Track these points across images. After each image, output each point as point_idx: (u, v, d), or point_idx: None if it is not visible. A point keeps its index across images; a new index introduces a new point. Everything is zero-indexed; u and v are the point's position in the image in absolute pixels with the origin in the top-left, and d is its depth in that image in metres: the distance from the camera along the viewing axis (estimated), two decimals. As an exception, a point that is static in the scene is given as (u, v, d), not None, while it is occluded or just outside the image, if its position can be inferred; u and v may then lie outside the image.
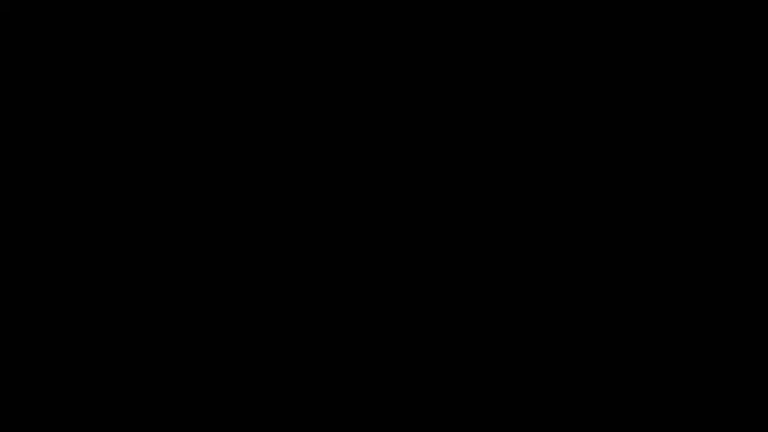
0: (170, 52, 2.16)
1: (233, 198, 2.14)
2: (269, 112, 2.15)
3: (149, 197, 2.14)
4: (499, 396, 2.08)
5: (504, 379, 2.08)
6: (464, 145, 2.13)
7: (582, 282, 2.09)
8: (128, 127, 2.15)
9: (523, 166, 2.12)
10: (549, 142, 2.12)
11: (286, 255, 2.12)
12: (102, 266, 2.13)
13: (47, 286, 2.12)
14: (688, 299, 2.08)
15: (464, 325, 2.10)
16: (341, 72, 2.16)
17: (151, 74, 2.16)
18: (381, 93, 2.15)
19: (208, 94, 2.16)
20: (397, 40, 2.15)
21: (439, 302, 2.11)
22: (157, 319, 2.11)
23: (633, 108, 2.12)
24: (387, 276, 2.11)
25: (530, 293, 2.10)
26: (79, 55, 2.16)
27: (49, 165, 2.14)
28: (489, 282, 2.10)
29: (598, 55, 2.13)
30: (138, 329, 2.11)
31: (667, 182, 2.10)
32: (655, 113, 2.12)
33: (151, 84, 2.16)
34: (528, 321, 2.09)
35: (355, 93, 2.15)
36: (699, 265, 2.08)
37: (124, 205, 2.14)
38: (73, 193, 2.14)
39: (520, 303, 2.10)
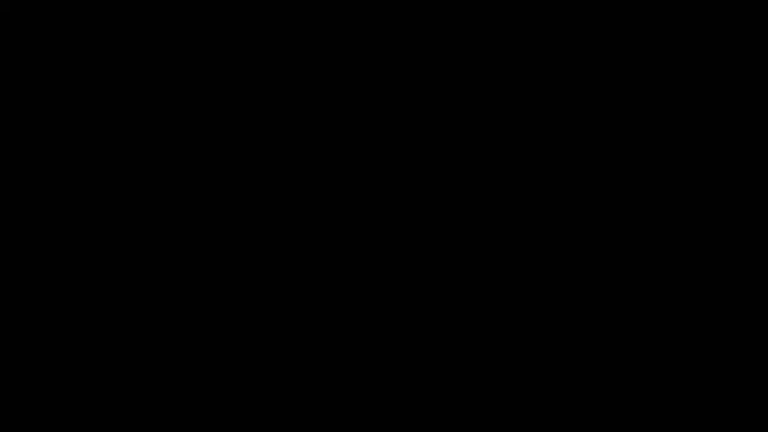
0: (170, 52, 2.16)
1: (233, 198, 2.14)
2: (269, 112, 2.16)
3: (149, 197, 2.14)
4: (499, 396, 2.08)
5: (504, 379, 2.08)
6: (464, 145, 2.13)
7: (582, 282, 2.10)
8: (128, 127, 2.15)
9: (522, 166, 2.13)
10: (549, 142, 2.13)
11: (286, 255, 2.13)
12: (102, 266, 2.13)
13: (47, 286, 2.12)
14: (688, 299, 2.08)
15: (464, 325, 2.10)
16: (341, 72, 2.16)
17: (151, 74, 2.16)
18: (381, 93, 2.15)
19: (207, 94, 2.16)
20: (397, 40, 2.15)
21: (439, 302, 2.11)
22: (157, 319, 2.11)
23: (633, 108, 2.12)
24: (387, 276, 2.12)
25: (530, 293, 2.10)
26: (79, 55, 2.16)
27: (49, 165, 2.14)
28: (489, 282, 2.11)
29: (598, 55, 2.13)
30: (138, 329, 2.11)
31: (667, 182, 2.10)
32: (655, 113, 2.12)
33: (151, 84, 2.16)
34: (528, 321, 2.10)
35: (355, 93, 2.15)
36: (699, 264, 2.09)
37: (124, 205, 2.14)
38: (73, 193, 2.14)
39: (520, 303, 2.10)
